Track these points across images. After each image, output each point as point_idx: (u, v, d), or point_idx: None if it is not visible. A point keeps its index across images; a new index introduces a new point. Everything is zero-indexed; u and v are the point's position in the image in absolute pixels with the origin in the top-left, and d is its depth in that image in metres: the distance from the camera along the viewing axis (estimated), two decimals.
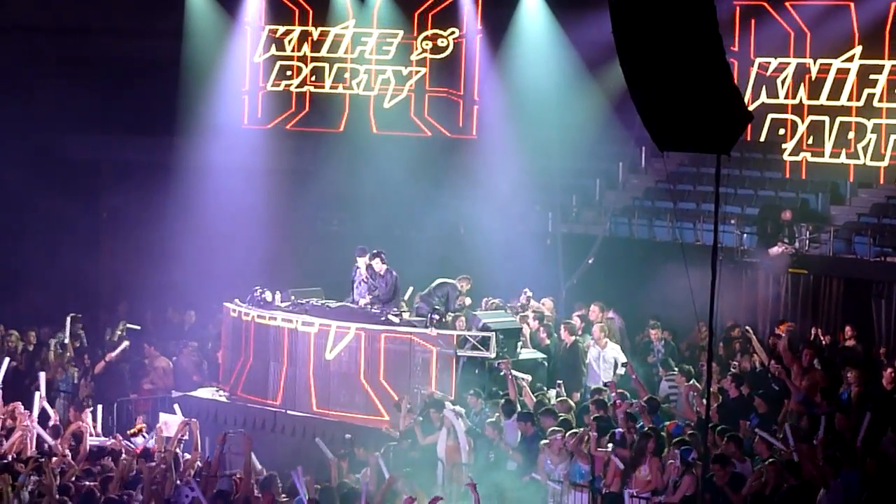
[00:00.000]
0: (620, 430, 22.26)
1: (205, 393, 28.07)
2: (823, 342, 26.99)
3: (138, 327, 30.18)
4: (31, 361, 28.61)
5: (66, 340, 28.76)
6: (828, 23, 30.69)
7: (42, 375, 25.89)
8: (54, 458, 22.10)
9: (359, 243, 27.58)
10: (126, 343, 29.40)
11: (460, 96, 34.21)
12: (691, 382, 24.32)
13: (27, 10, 36.00)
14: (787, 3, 31.39)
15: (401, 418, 24.10)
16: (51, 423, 24.16)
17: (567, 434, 21.99)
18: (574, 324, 27.41)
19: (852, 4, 30.36)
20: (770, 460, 20.35)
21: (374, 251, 26.86)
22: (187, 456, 22.29)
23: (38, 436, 23.69)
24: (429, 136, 34.29)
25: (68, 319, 28.79)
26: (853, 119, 30.25)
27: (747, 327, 26.55)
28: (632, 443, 21.74)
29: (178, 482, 20.09)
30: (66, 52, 36.08)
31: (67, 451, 22.39)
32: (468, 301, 26.69)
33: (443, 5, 34.38)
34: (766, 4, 31.62)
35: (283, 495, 20.51)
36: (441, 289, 26.23)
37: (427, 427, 23.52)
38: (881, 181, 30.64)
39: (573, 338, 26.83)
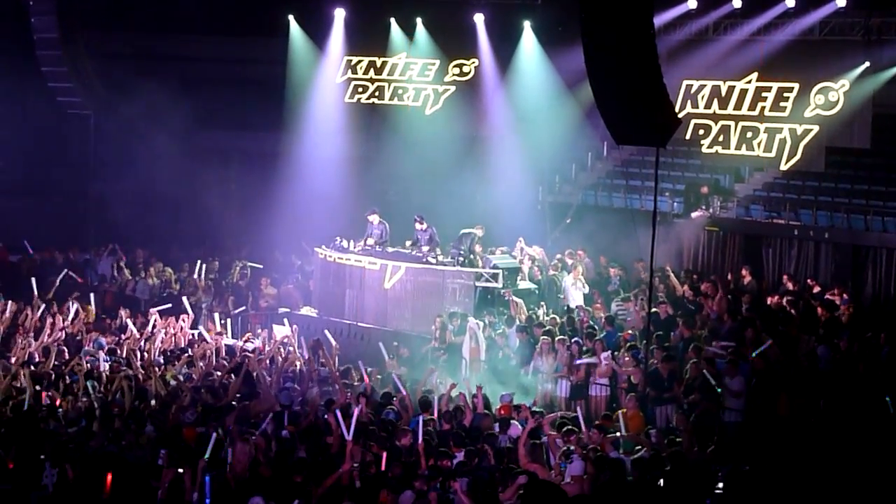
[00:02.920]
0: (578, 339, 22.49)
1: (303, 311, 28.16)
2: (730, 280, 27.16)
3: (260, 265, 30.32)
4: (182, 289, 28.79)
5: (203, 275, 29.00)
6: (734, 56, 30.59)
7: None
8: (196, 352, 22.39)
9: (408, 210, 27.64)
10: (247, 276, 29.70)
11: (479, 106, 34.14)
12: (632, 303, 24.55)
13: (186, 45, 36.19)
14: (707, 42, 31.34)
15: (436, 329, 24.20)
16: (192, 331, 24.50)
17: (556, 340, 22.14)
18: (555, 264, 27.53)
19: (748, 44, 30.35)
20: (693, 360, 20.44)
21: (416, 215, 26.94)
22: (289, 355, 22.57)
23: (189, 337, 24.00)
24: (457, 134, 34.24)
25: (199, 264, 29.06)
26: (751, 124, 30.15)
27: (667, 266, 26.65)
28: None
29: (285, 383, 20.16)
30: (208, 76, 36.12)
31: (208, 350, 22.62)
32: (479, 248, 26.73)
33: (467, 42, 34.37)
34: (677, 46, 31.55)
35: (356, 378, 20.70)
36: (466, 237, 26.24)
37: (455, 330, 23.66)
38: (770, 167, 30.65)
39: (553, 273, 26.99)
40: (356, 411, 16.15)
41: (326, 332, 23.58)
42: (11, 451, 15.72)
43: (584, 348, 21.93)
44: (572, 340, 22.29)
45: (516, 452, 16.05)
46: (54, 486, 15.11)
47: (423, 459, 15.39)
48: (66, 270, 28.03)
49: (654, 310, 22.90)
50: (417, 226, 26.76)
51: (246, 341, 24.28)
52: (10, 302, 24.89)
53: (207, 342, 23.27)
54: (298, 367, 21.37)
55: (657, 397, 20.09)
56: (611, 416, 18.58)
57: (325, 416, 17.11)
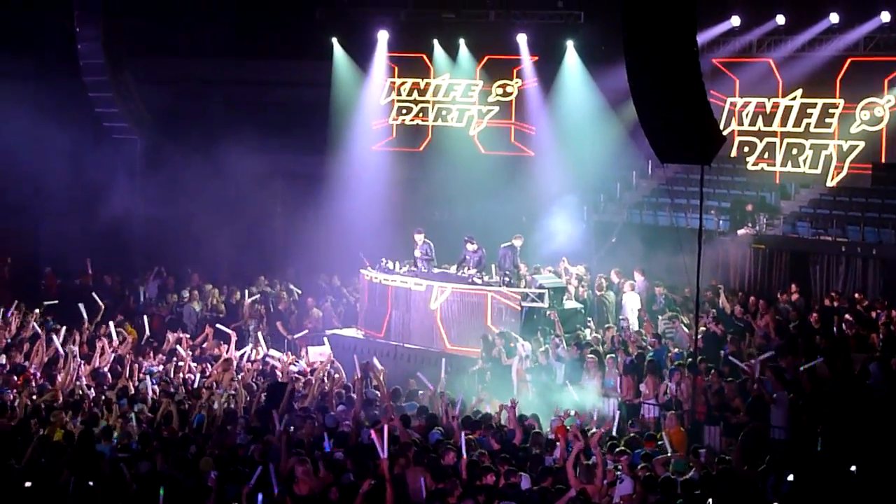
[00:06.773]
0: (631, 357, 22.50)
1: (348, 332, 28.23)
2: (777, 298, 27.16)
3: (299, 291, 30.38)
4: (230, 311, 28.96)
5: (249, 300, 29.06)
6: (778, 72, 30.63)
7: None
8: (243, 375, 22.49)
9: (452, 231, 27.71)
10: (296, 299, 29.81)
11: (523, 126, 34.34)
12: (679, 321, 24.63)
13: (230, 69, 36.60)
14: (749, 60, 31.42)
15: (485, 349, 24.21)
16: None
17: (607, 356, 22.22)
18: (602, 283, 27.56)
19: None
20: (728, 379, 20.58)
21: (466, 236, 26.98)
22: (335, 376, 22.61)
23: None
24: (502, 155, 34.42)
25: (246, 292, 29.19)
26: (796, 140, 30.16)
27: (720, 285, 26.77)
28: (640, 365, 22.00)
29: (334, 401, 20.22)
30: (253, 99, 36.49)
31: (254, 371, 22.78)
32: (524, 267, 26.80)
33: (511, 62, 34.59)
34: (720, 64, 31.63)
35: (403, 398, 20.77)
36: (508, 252, 26.32)
37: (509, 352, 23.59)
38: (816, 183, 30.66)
39: (600, 293, 27.03)
40: (387, 430, 15.92)
41: (375, 360, 23.66)
42: (65, 476, 15.82)
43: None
44: (627, 360, 22.29)
45: (564, 472, 16.02)
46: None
47: (466, 477, 15.38)
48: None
49: (709, 328, 23.04)
50: (469, 246, 26.72)
51: (291, 363, 24.35)
52: (63, 328, 25.00)
53: (254, 364, 23.47)
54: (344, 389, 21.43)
55: (719, 415, 20.09)
56: (655, 437, 18.58)
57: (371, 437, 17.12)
